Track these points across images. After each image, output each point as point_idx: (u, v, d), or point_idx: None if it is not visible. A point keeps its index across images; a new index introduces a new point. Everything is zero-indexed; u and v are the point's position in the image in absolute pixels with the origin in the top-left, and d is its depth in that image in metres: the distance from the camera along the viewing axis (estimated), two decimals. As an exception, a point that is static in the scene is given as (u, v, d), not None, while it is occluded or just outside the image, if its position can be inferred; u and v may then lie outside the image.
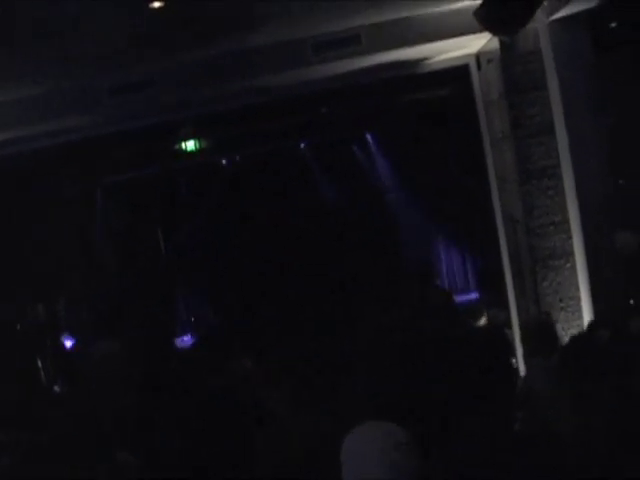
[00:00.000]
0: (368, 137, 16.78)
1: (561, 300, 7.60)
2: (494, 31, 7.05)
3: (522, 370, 8.13)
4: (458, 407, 4.04)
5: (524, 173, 7.71)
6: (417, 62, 8.69)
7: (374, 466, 3.12)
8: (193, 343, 16.29)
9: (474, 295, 15.37)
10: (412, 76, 9.32)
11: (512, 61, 7.67)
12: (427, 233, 16.90)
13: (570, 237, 7.60)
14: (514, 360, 8.45)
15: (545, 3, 6.86)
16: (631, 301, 7.40)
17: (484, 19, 6.71)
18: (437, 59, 8.69)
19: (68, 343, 12.39)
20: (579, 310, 7.58)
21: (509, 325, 8.85)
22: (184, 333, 17.04)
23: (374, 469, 3.11)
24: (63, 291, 13.89)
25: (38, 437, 5.24)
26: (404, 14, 7.80)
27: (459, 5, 7.59)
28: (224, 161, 16.97)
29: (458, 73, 9.04)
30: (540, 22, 7.30)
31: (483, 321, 9.25)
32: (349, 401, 4.58)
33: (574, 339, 4.70)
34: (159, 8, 5.89)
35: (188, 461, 4.23)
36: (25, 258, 12.43)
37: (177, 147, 13.46)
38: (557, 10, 7.04)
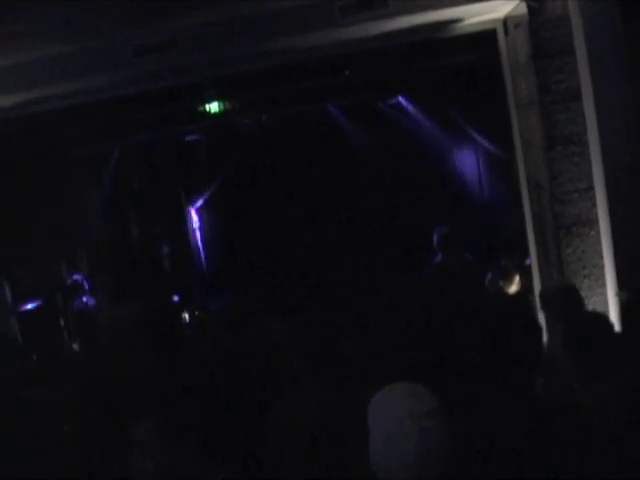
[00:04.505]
0: (393, 100, 16.66)
1: (584, 268, 7.58)
2: (523, -5, 7.00)
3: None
4: (480, 372, 4.03)
5: (549, 139, 7.65)
6: (443, 26, 8.60)
7: (404, 432, 3.02)
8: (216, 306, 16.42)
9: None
10: (438, 40, 9.23)
11: (540, 26, 7.58)
12: (451, 197, 16.81)
13: (595, 205, 7.55)
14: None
15: (575, -32, 6.79)
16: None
17: (513, -17, 6.66)
18: (464, 23, 8.59)
19: (89, 304, 12.55)
20: (602, 278, 7.55)
21: (532, 291, 8.85)
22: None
23: (404, 435, 3.02)
24: (85, 254, 13.97)
25: (55, 393, 5.30)
26: (432, -23, 7.74)
27: (488, -32, 7.52)
28: (248, 122, 16.91)
29: (485, 38, 8.96)
30: (569, -13, 7.22)
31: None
32: (372, 365, 4.58)
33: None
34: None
35: (207, 426, 4.24)
36: (47, 221, 12.51)
37: (201, 108, 13.42)
38: (587, -25, 6.96)
